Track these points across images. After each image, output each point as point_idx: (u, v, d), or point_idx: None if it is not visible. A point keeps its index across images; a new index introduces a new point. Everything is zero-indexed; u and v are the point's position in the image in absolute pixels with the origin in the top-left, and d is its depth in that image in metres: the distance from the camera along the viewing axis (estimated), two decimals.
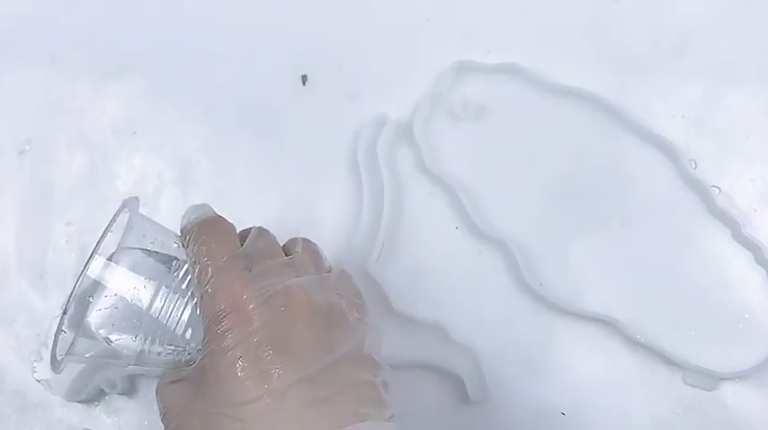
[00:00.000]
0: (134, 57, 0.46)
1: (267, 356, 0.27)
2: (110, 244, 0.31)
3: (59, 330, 0.29)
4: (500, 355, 0.39)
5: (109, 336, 0.30)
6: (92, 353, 0.30)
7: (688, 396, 0.38)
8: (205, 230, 0.30)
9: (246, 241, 0.31)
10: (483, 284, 0.41)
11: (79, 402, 0.41)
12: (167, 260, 0.31)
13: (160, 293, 0.30)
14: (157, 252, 0.31)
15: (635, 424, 0.38)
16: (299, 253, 0.32)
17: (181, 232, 0.32)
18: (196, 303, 0.29)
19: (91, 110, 0.46)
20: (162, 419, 0.30)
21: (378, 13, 0.46)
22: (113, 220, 0.32)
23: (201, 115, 0.45)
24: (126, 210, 0.32)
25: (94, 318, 0.29)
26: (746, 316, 0.39)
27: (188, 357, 0.30)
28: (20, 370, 0.42)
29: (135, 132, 0.45)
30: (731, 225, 0.40)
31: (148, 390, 0.41)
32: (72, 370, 0.40)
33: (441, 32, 0.45)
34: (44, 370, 0.42)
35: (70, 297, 0.29)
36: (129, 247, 0.31)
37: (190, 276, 0.30)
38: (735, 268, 0.40)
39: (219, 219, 0.31)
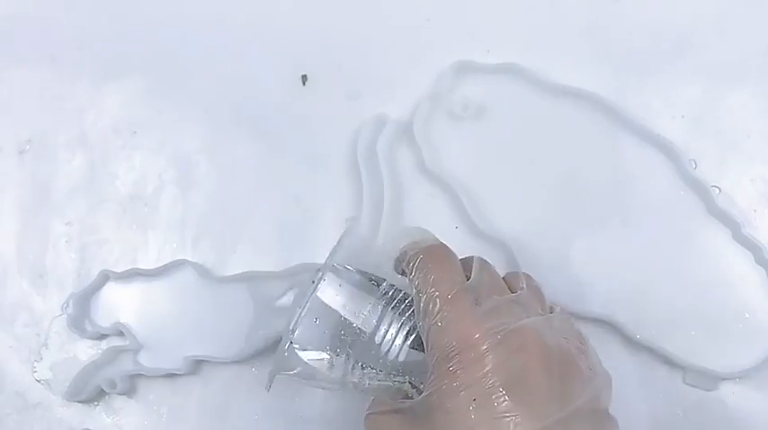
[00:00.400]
0: (134, 57, 0.46)
1: (503, 402, 0.25)
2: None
3: (288, 346, 0.29)
4: None
5: (322, 355, 0.29)
6: (299, 370, 0.30)
7: (688, 396, 0.38)
8: (432, 258, 0.30)
9: (473, 274, 0.30)
10: None
11: (79, 402, 0.41)
12: (378, 282, 0.31)
13: (375, 317, 0.29)
14: (370, 274, 0.31)
15: (635, 424, 0.38)
16: (524, 290, 0.31)
17: (400, 257, 0.31)
18: (410, 331, 0.29)
19: (91, 110, 0.46)
20: None
21: (378, 13, 0.46)
22: (341, 242, 0.31)
23: (201, 115, 0.45)
24: (346, 229, 0.32)
25: (307, 334, 0.29)
26: (746, 316, 0.39)
27: (397, 385, 0.29)
28: (20, 370, 0.42)
29: (135, 132, 0.45)
30: (731, 225, 0.40)
31: (148, 390, 0.41)
32: (72, 369, 0.40)
33: (441, 32, 0.45)
34: (44, 370, 0.42)
35: (298, 318, 0.29)
36: (345, 267, 0.31)
37: (407, 303, 0.29)
38: (735, 268, 0.40)
39: (446, 248, 0.31)
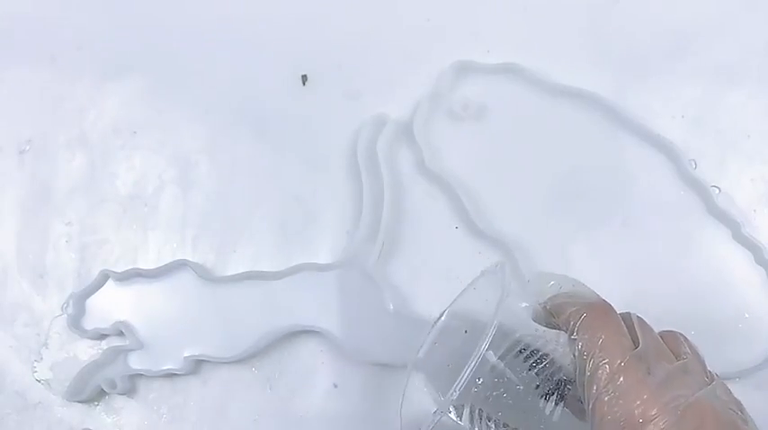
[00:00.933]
0: (134, 57, 0.46)
1: None
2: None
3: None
4: None
5: (488, 422, 0.28)
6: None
7: None
8: (598, 318, 0.28)
9: (640, 338, 0.28)
10: None
11: (79, 402, 0.41)
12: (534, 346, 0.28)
13: (534, 385, 0.27)
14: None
15: None
16: (689, 355, 0.29)
17: (553, 310, 0.29)
18: (562, 395, 0.27)
19: (91, 110, 0.46)
20: None
21: (378, 13, 0.46)
22: (498, 310, 0.27)
23: (201, 115, 0.45)
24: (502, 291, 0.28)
25: (477, 399, 0.27)
26: (746, 316, 0.39)
27: None
28: (20, 370, 0.42)
29: (135, 132, 0.45)
30: (731, 225, 0.40)
31: (148, 390, 0.41)
32: (72, 369, 0.40)
33: (441, 32, 0.45)
34: (44, 370, 0.42)
35: (460, 384, 0.26)
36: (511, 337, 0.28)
37: (546, 361, 0.28)
38: (735, 268, 0.40)
39: (610, 307, 0.29)
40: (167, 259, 0.42)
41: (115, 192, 0.44)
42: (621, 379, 0.26)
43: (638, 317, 0.30)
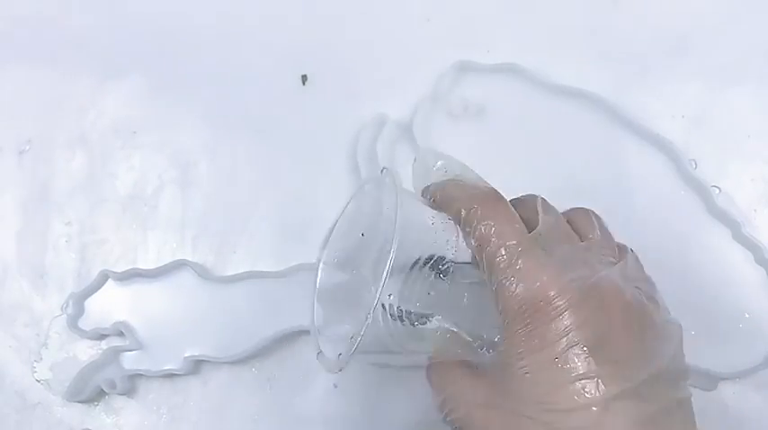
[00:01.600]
0: (134, 57, 0.46)
1: (586, 361, 0.24)
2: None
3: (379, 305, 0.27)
4: None
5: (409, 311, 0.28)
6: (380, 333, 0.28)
7: None
8: (489, 208, 0.27)
9: (540, 219, 0.28)
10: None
11: (79, 402, 0.41)
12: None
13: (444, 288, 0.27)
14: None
15: None
16: (598, 235, 0.29)
17: (443, 198, 0.29)
18: (473, 284, 0.27)
19: (91, 110, 0.46)
20: (440, 405, 0.28)
21: (378, 13, 0.46)
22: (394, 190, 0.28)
23: (201, 115, 0.45)
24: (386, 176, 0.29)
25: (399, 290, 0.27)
26: (746, 316, 0.39)
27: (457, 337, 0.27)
28: (20, 370, 0.42)
29: (135, 132, 0.45)
30: (731, 225, 0.40)
31: (148, 390, 0.41)
32: (72, 370, 0.40)
33: (441, 32, 0.45)
34: (44, 370, 0.42)
35: (386, 272, 0.26)
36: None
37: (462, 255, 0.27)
38: (735, 268, 0.40)
39: (499, 196, 0.28)
40: (167, 259, 0.42)
41: (115, 192, 0.44)
42: (519, 262, 0.25)
43: (542, 198, 0.29)
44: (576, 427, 0.24)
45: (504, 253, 0.26)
